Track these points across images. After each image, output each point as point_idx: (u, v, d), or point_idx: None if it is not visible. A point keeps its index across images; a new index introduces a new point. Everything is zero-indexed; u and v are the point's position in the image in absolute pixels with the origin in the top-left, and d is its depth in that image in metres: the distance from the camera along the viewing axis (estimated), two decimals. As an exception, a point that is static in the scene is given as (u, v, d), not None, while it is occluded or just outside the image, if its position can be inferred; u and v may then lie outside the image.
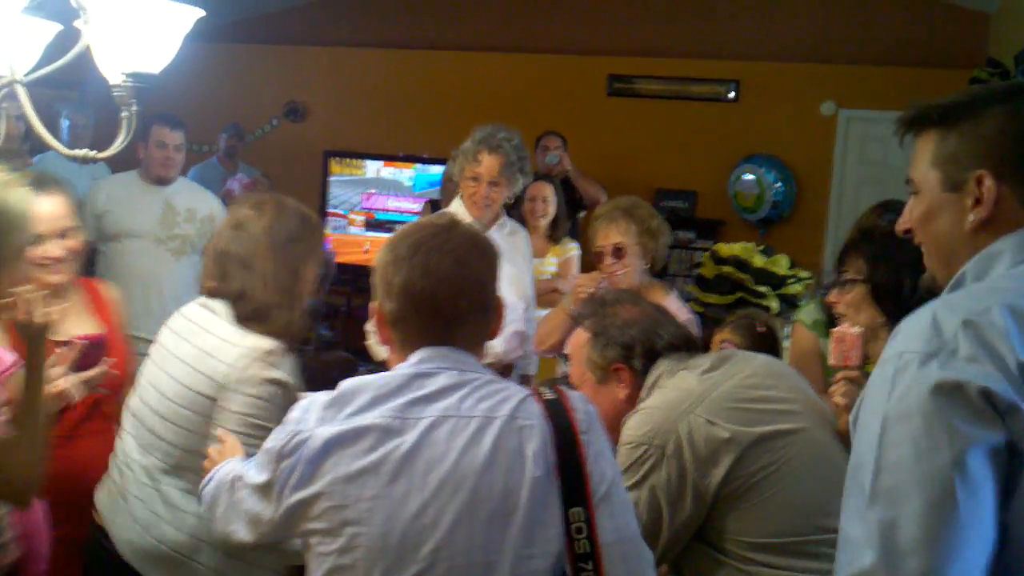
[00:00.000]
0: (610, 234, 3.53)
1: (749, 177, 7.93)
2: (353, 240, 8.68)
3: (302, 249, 2.60)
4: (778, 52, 8.01)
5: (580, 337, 2.51)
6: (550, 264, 5.02)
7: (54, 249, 2.91)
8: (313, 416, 1.80)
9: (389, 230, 8.51)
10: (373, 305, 1.95)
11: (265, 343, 2.46)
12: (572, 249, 5.12)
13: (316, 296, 2.75)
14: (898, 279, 2.57)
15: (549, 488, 1.75)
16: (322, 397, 1.83)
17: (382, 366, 3.89)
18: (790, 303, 3.73)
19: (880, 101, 7.85)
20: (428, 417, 1.77)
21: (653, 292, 3.47)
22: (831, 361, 2.47)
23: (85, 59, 2.21)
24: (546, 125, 7.13)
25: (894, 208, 3.18)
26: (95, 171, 5.81)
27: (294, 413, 1.85)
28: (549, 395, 1.86)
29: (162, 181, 4.91)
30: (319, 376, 3.77)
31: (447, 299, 1.85)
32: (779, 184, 7.92)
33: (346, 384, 1.84)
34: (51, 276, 2.91)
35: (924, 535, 1.31)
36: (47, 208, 2.89)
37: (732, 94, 8.23)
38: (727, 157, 8.06)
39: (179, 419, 2.48)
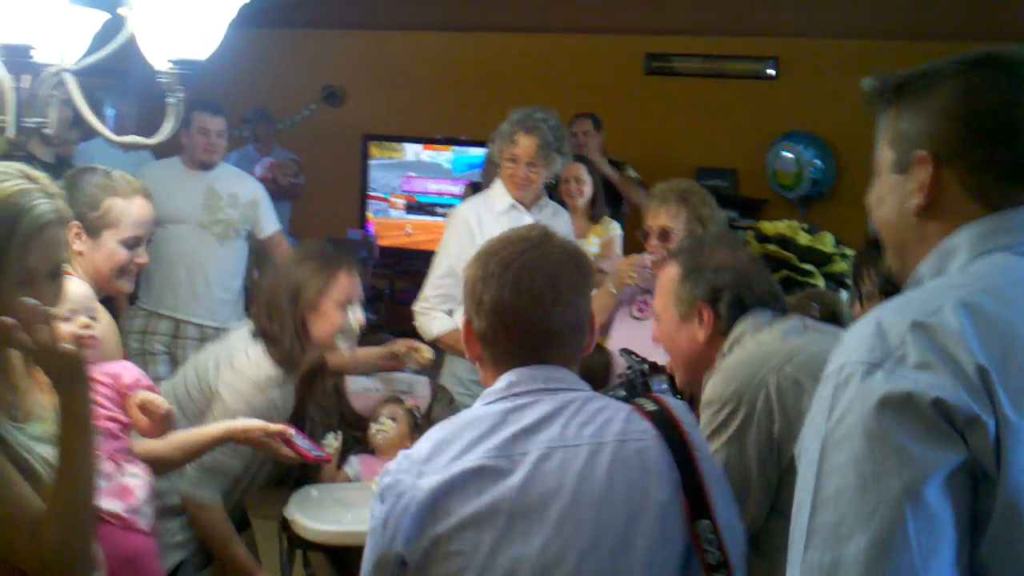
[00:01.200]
0: (659, 216, 3.49)
1: (787, 155, 7.86)
2: (395, 223, 8.72)
3: (305, 295, 2.97)
4: (818, 28, 7.91)
5: (671, 271, 2.45)
6: (592, 245, 5.01)
7: (144, 256, 2.81)
8: (411, 471, 1.71)
9: (430, 212, 8.55)
10: (463, 319, 1.90)
11: (266, 370, 2.94)
12: (614, 229, 5.11)
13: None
14: None
15: (674, 509, 1.72)
16: (415, 452, 1.75)
17: (433, 346, 3.95)
18: (837, 281, 3.69)
19: (923, 76, 7.75)
20: (534, 452, 1.71)
21: None
22: None
23: (127, 47, 2.23)
24: (583, 105, 7.10)
25: None
26: (139, 159, 5.87)
27: (385, 479, 1.75)
28: (651, 407, 1.82)
29: (205, 167, 4.95)
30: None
31: (539, 318, 1.80)
32: (818, 162, 7.84)
33: (438, 432, 1.78)
34: (127, 285, 2.84)
35: None
36: (148, 212, 2.82)
37: (772, 71, 8.16)
38: (767, 135, 7.99)
39: (183, 395, 3.02)
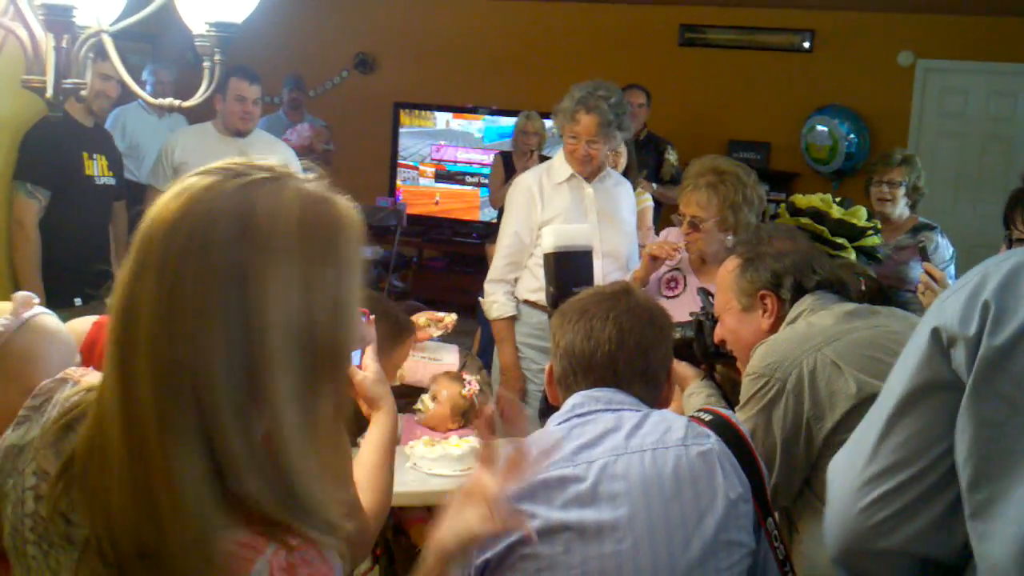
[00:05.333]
0: (690, 203, 3.41)
1: (822, 128, 7.80)
2: (423, 191, 8.73)
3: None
4: (854, 1, 7.83)
5: (731, 263, 2.45)
6: (624, 215, 5.01)
7: None
8: None
9: (460, 181, 8.56)
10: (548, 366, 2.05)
11: None
12: (646, 200, 5.10)
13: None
14: None
15: (745, 506, 1.80)
16: None
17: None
18: (868, 255, 3.66)
19: (960, 51, 7.67)
20: (599, 459, 1.79)
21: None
22: None
23: (161, 12, 2.24)
24: (617, 76, 7.01)
25: None
26: (173, 125, 5.89)
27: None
28: (707, 417, 1.91)
29: (240, 134, 4.96)
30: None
31: (604, 359, 1.91)
32: (853, 136, 7.78)
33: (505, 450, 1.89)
34: None
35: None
36: None
37: (807, 44, 8.08)
38: (801, 108, 7.93)
39: None
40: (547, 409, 2.39)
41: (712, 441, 1.81)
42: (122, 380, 1.01)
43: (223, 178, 1.04)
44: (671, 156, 6.51)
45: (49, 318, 1.69)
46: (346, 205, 1.11)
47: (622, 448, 1.79)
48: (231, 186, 1.03)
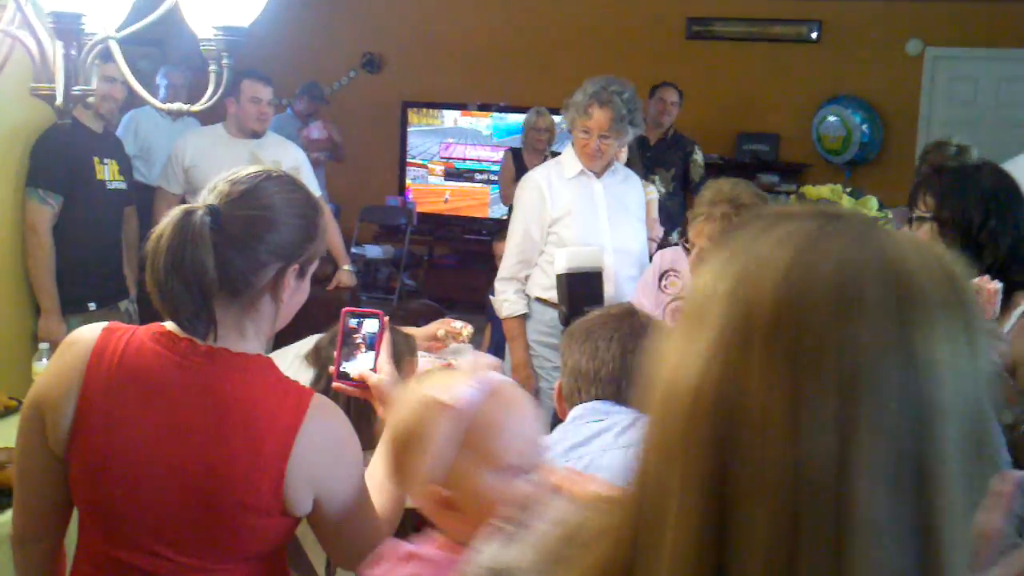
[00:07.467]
0: (702, 235, 3.15)
1: (834, 119, 7.78)
2: (433, 190, 8.74)
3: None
4: (862, -10, 7.82)
5: None
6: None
7: None
8: None
9: (469, 179, 8.56)
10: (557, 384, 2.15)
11: None
12: (650, 193, 5.09)
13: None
14: (965, 215, 2.51)
15: None
16: None
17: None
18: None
19: (968, 38, 7.63)
20: (589, 455, 1.92)
21: None
22: None
23: (168, 15, 2.24)
24: (625, 70, 7.01)
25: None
26: (186, 127, 5.90)
27: None
28: None
29: (255, 135, 4.97)
30: (407, 324, 3.82)
31: (608, 377, 2.03)
32: (865, 126, 7.76)
33: None
34: None
35: None
36: None
37: (814, 35, 8.06)
38: (810, 99, 7.91)
39: None
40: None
41: None
42: (701, 488, 0.76)
43: (819, 223, 0.77)
44: (698, 157, 6.51)
45: (507, 384, 1.50)
46: None
47: (611, 445, 1.91)
48: (836, 231, 0.77)
